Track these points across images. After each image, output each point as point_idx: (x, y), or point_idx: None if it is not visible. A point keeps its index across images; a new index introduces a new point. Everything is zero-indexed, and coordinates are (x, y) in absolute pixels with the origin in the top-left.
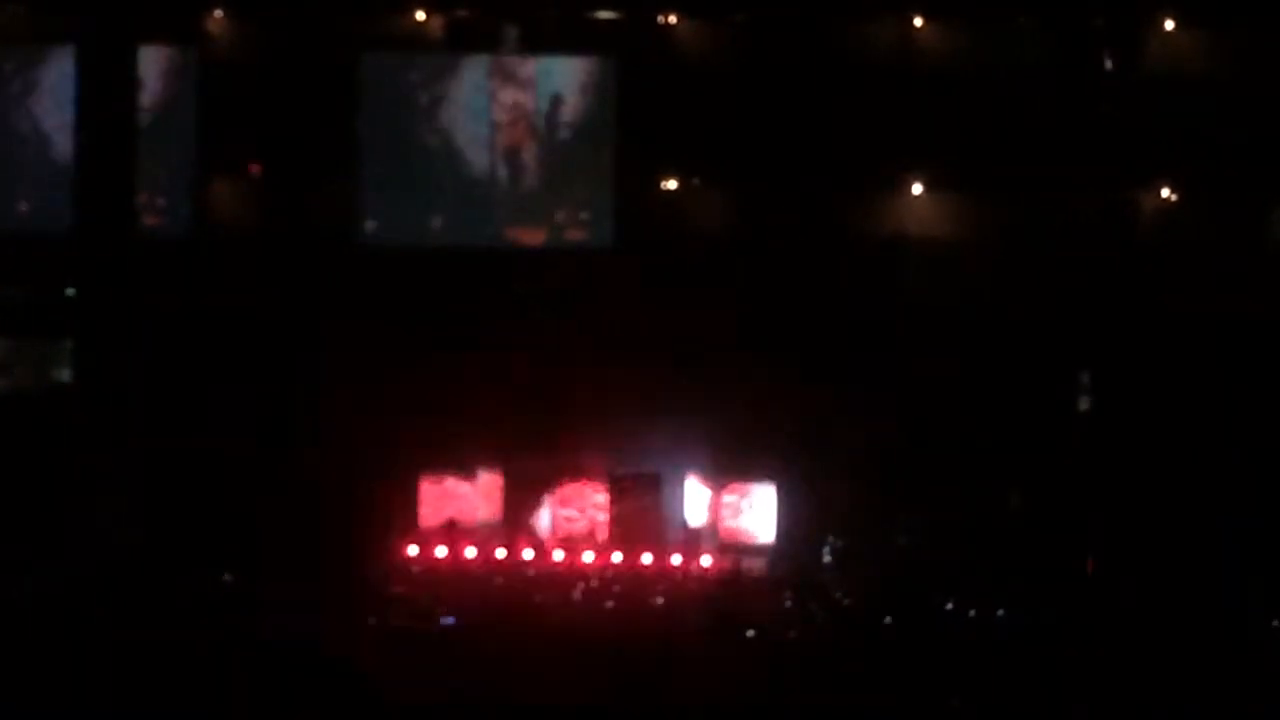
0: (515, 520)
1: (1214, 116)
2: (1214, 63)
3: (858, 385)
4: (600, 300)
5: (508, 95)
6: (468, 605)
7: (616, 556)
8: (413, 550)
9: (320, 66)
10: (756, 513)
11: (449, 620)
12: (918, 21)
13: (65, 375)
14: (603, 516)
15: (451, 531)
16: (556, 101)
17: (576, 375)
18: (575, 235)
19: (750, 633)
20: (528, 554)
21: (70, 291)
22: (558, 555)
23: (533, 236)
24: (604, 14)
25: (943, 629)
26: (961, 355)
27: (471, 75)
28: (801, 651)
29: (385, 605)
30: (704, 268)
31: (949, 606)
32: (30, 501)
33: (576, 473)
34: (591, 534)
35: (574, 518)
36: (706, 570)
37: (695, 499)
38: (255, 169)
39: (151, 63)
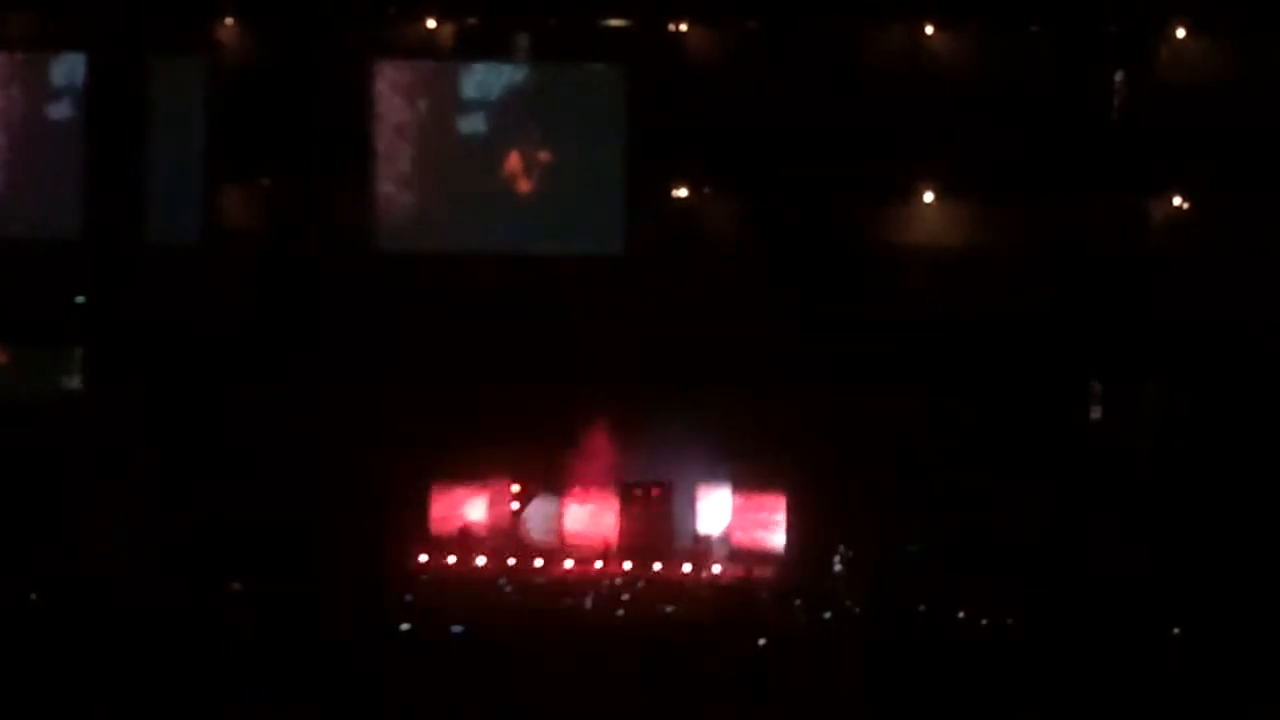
0: (526, 529)
1: (1226, 125)
2: (1226, 71)
3: (869, 394)
4: (611, 308)
5: (517, 103)
6: (478, 613)
7: (627, 565)
8: (424, 558)
9: (331, 74)
10: (767, 521)
11: (458, 629)
12: (929, 30)
13: (75, 383)
14: (614, 525)
15: (463, 540)
16: (566, 109)
17: (588, 384)
18: (586, 244)
19: (761, 641)
20: (538, 562)
21: (80, 299)
22: (568, 564)
23: (544, 245)
24: (614, 21)
25: (953, 638)
26: (973, 364)
27: (482, 83)
28: (812, 660)
29: (396, 612)
30: (715, 276)
31: (960, 615)
32: (39, 508)
33: (588, 481)
34: (603, 542)
35: (585, 526)
36: (717, 579)
37: (706, 507)
38: (265, 178)
39: (162, 70)
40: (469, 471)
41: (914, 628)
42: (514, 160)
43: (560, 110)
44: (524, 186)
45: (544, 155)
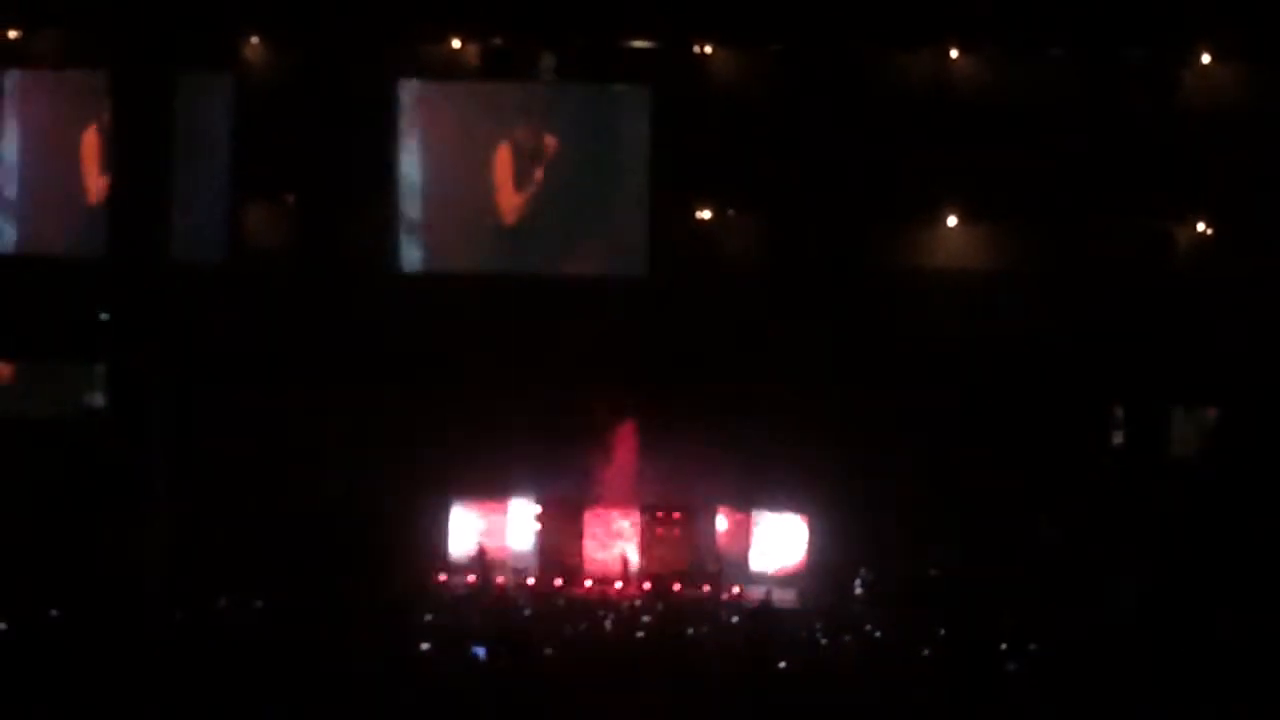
0: (546, 550)
1: (1251, 150)
2: (1250, 97)
3: (890, 417)
4: (633, 330)
5: (541, 124)
6: (498, 634)
7: (648, 586)
8: (443, 578)
9: (356, 94)
10: (788, 544)
11: (479, 650)
12: (954, 54)
13: (98, 399)
14: (634, 547)
15: (483, 560)
16: (590, 131)
17: (609, 405)
18: (609, 265)
19: (782, 664)
20: (558, 584)
21: (104, 316)
22: (589, 585)
23: (567, 267)
24: (639, 43)
25: (975, 660)
26: (995, 387)
27: (507, 104)
28: (833, 683)
29: (415, 632)
30: (737, 298)
31: (981, 639)
32: (63, 521)
33: (609, 503)
34: (623, 564)
35: (606, 548)
36: (738, 601)
37: (727, 530)
38: (289, 196)
39: (188, 89)
40: (489, 491)
41: (934, 651)
42: (536, 181)
43: (582, 132)
44: (547, 208)
45: (566, 177)
